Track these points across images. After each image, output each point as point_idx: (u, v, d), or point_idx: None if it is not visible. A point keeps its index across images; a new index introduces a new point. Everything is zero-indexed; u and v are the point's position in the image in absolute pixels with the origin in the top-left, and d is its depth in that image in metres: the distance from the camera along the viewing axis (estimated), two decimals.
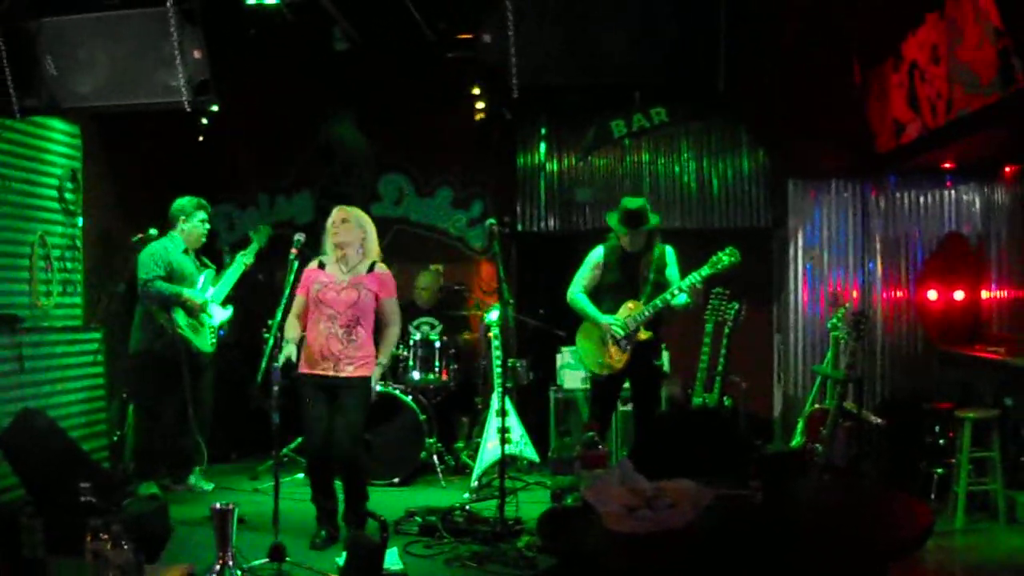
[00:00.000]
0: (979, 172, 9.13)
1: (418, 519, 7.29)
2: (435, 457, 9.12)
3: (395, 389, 8.98)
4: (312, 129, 10.83)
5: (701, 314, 8.11)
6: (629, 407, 8.54)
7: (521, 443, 8.70)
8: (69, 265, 8.66)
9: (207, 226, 8.37)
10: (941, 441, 8.05)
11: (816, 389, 8.39)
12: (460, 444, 9.85)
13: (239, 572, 5.01)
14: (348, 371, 6.81)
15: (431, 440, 9.10)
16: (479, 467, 8.51)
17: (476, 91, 10.15)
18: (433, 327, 9.92)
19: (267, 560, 6.11)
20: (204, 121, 10.17)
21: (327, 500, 7.00)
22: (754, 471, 4.19)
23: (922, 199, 9.40)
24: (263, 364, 6.77)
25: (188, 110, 6.82)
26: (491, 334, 8.91)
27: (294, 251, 6.81)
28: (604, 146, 10.22)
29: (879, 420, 8.19)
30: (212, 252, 8.99)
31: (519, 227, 10.73)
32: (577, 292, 7.86)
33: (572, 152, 10.62)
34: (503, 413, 7.51)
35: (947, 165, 9.11)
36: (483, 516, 7.31)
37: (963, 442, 7.50)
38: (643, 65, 6.46)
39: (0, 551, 4.15)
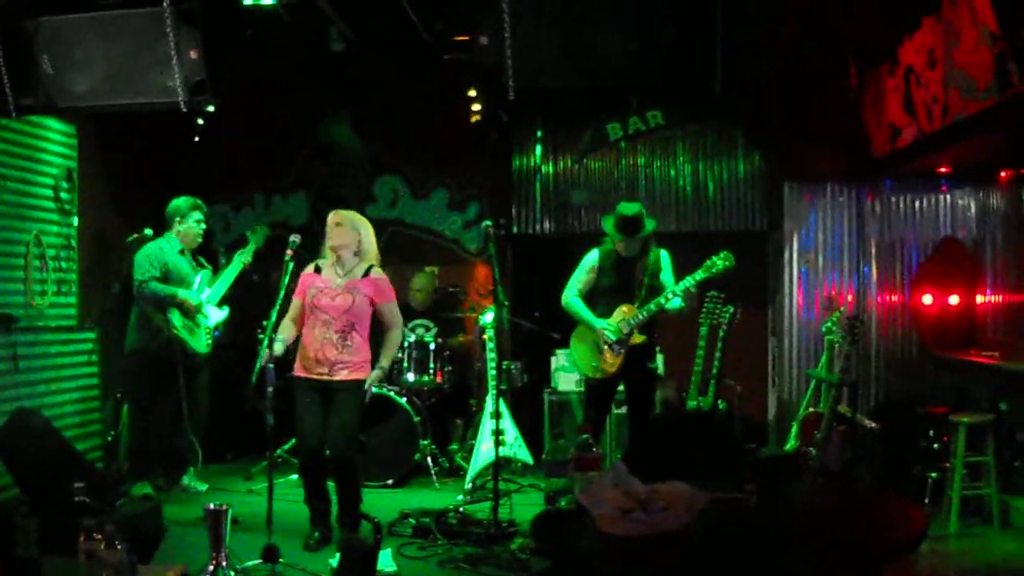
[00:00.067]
0: (975, 177, 9.14)
1: (412, 521, 7.29)
2: (429, 459, 9.11)
3: (389, 391, 8.97)
4: (308, 130, 10.83)
5: (696, 317, 8.10)
6: (623, 410, 8.55)
7: (515, 445, 8.69)
8: (64, 265, 8.65)
9: (203, 226, 8.37)
10: (935, 445, 8.04)
11: (811, 393, 8.39)
12: (454, 446, 9.84)
13: (232, 573, 4.99)
14: (343, 375, 6.81)
15: (425, 442, 9.10)
16: (473, 469, 8.51)
17: (472, 93, 10.14)
18: (428, 329, 9.91)
19: (260, 561, 6.11)
20: (200, 121, 10.14)
21: (320, 502, 7.00)
22: (748, 474, 4.20)
23: (917, 203, 9.40)
24: (257, 365, 6.76)
25: (184, 110, 6.84)
26: (486, 336, 8.89)
27: (290, 252, 6.80)
28: (600, 149, 10.21)
29: (873, 424, 8.21)
30: (208, 253, 8.98)
31: (515, 229, 10.72)
32: (571, 296, 7.86)
33: (568, 155, 10.62)
34: (497, 415, 7.51)
35: (943, 169, 9.12)
36: (477, 518, 7.32)
37: (957, 446, 7.51)
38: (639, 68, 6.47)
39: None
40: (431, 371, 9.48)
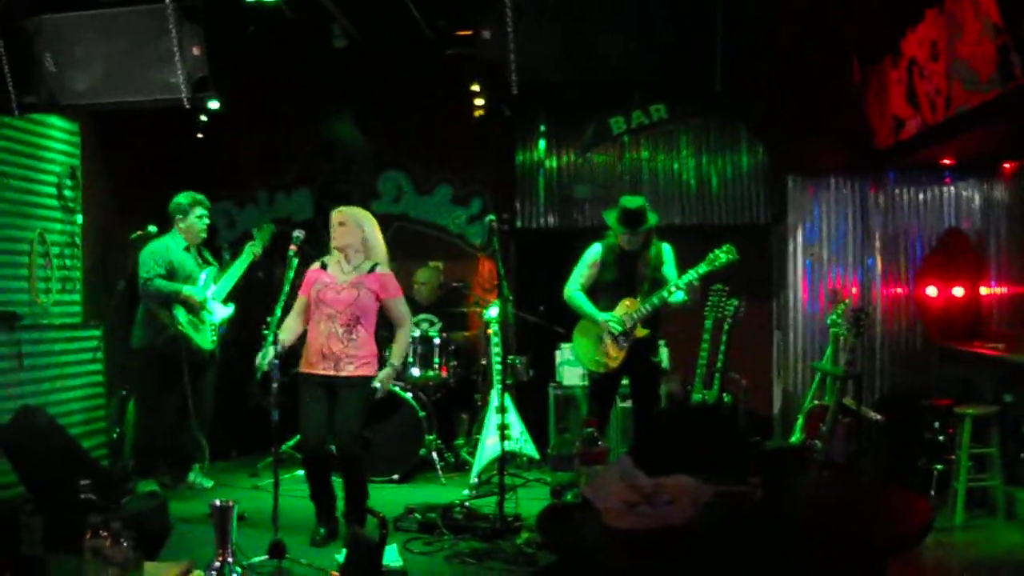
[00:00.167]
0: (978, 168, 9.13)
1: (417, 516, 7.29)
2: (434, 454, 9.11)
3: (394, 386, 8.96)
4: (311, 126, 10.83)
5: (700, 311, 8.10)
6: (628, 404, 8.56)
7: (521, 440, 8.71)
8: (68, 262, 8.66)
9: (206, 221, 8.37)
10: (940, 437, 8.04)
11: (815, 385, 8.38)
12: (460, 441, 9.86)
13: (239, 569, 5.00)
14: (349, 370, 6.82)
15: (430, 437, 9.10)
16: (478, 464, 8.52)
17: (475, 88, 10.13)
18: (432, 324, 9.92)
19: (267, 557, 6.12)
20: (203, 118, 10.13)
21: (326, 497, 7.00)
22: (753, 467, 4.19)
23: (921, 195, 9.39)
24: (262, 361, 6.75)
25: (187, 107, 6.84)
26: (490, 331, 8.91)
27: (293, 248, 6.81)
28: (603, 143, 10.20)
29: (878, 416, 8.19)
30: (212, 249, 8.99)
31: (518, 224, 10.73)
32: (574, 290, 7.86)
33: (571, 149, 10.62)
34: (502, 410, 7.51)
35: (946, 161, 9.11)
36: (482, 513, 7.31)
37: (963, 438, 7.51)
38: (640, 67, 6.47)
39: (0, 549, 4.15)
40: (436, 366, 9.49)
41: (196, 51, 6.64)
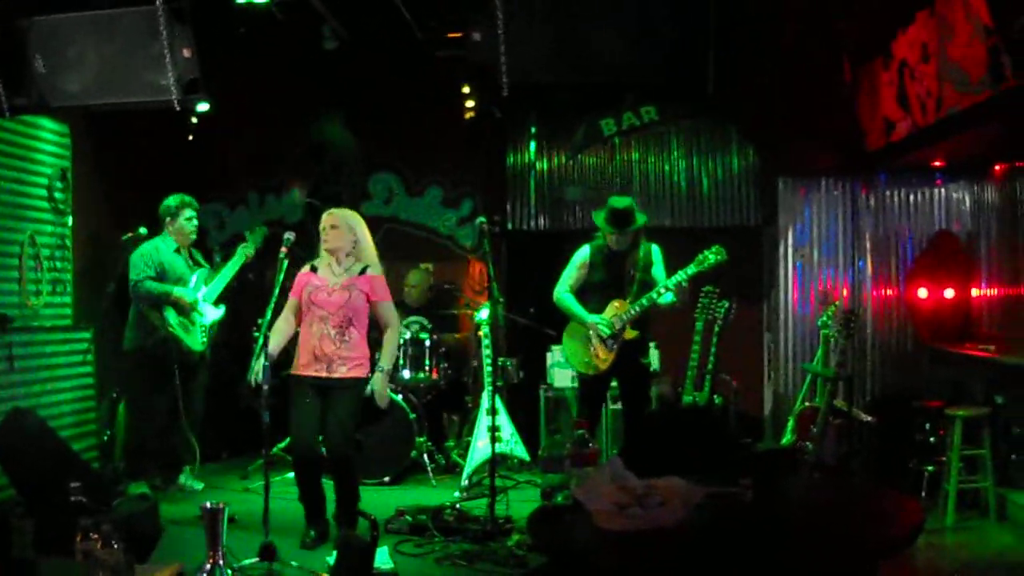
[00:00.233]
0: (969, 170, 9.14)
1: (408, 518, 7.28)
2: (425, 456, 9.10)
3: None
4: (302, 128, 10.81)
5: (691, 312, 8.11)
6: (619, 406, 8.56)
7: (511, 442, 8.71)
8: (59, 264, 8.63)
9: (194, 223, 8.36)
10: (931, 439, 8.06)
11: (806, 387, 8.38)
12: (450, 443, 9.85)
13: (229, 571, 4.99)
14: (341, 372, 6.81)
15: (421, 439, 9.09)
16: (469, 466, 8.52)
17: (466, 90, 10.14)
18: (423, 326, 9.91)
19: (257, 559, 6.10)
20: (194, 120, 10.13)
21: (316, 499, 6.99)
22: (744, 469, 4.19)
23: (912, 197, 9.40)
24: (253, 363, 6.75)
25: (178, 109, 6.83)
26: (481, 333, 8.90)
27: (284, 250, 6.81)
28: (594, 145, 10.18)
29: (869, 418, 8.21)
30: (203, 251, 8.97)
31: (509, 226, 10.73)
32: (563, 291, 7.87)
33: (562, 151, 10.62)
34: (493, 412, 7.51)
35: (937, 163, 9.12)
36: (473, 515, 7.30)
37: (954, 440, 7.52)
38: (632, 66, 6.47)
39: None
40: (427, 368, 9.47)
41: (186, 53, 6.64)
